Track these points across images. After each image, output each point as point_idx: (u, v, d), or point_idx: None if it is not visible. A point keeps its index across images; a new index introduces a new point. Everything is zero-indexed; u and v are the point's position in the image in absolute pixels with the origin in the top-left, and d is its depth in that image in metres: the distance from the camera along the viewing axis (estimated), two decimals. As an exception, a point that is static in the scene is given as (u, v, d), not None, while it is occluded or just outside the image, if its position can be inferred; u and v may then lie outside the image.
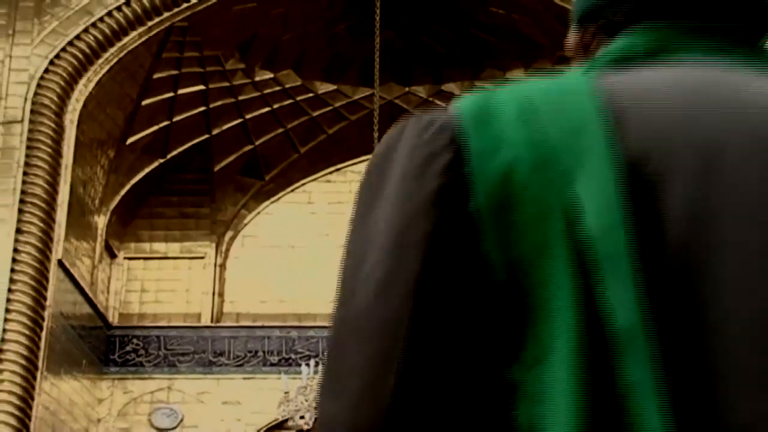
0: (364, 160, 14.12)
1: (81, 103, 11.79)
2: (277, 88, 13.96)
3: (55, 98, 11.50)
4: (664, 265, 0.93)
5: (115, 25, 11.80)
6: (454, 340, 0.92)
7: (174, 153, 13.83)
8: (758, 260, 0.93)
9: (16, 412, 10.44)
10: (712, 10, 1.11)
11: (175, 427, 13.07)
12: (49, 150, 11.35)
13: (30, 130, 11.30)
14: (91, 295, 12.61)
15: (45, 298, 11.06)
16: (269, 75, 13.82)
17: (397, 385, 0.90)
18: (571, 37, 1.20)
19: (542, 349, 0.91)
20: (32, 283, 10.87)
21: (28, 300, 10.78)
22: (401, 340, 0.91)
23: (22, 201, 11.05)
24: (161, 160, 13.76)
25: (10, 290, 10.68)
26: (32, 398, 10.71)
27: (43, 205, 11.18)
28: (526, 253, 0.96)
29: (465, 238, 0.96)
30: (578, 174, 0.98)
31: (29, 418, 10.65)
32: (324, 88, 14.20)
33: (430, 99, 14.33)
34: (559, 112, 1.02)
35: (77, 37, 11.64)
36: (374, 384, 0.91)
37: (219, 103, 13.72)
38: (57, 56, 11.55)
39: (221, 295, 14.06)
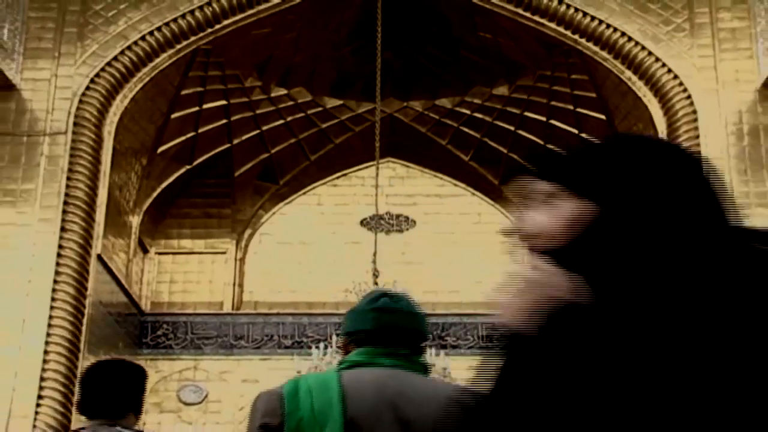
0: (367, 167, 14.15)
1: (117, 117, 11.77)
2: (290, 103, 13.94)
3: (95, 112, 11.51)
4: None
5: (147, 48, 11.81)
6: None
7: (199, 160, 13.82)
8: None
9: (62, 389, 10.49)
10: (393, 343, 2.22)
11: (200, 402, 13.09)
12: (89, 158, 11.37)
13: (73, 141, 11.29)
14: (126, 285, 12.63)
15: (86, 289, 11.07)
16: (283, 91, 13.82)
17: None
18: (340, 342, 2.38)
19: None
20: (74, 275, 10.91)
21: (71, 290, 10.83)
22: None
23: (65, 203, 11.07)
24: (188, 167, 13.76)
25: (55, 281, 10.72)
26: (75, 376, 10.64)
27: (84, 206, 11.20)
28: None
29: None
30: (326, 425, 2.05)
31: (73, 394, 10.63)
32: (331, 102, 14.18)
33: (425, 112, 14.32)
34: (322, 392, 2.11)
35: (114, 58, 11.64)
36: None
37: (239, 116, 13.71)
38: (97, 75, 11.56)
39: (241, 285, 14.05)
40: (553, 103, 13.30)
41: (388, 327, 2.22)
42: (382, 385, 2.13)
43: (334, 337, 10.53)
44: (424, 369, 2.26)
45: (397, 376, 2.16)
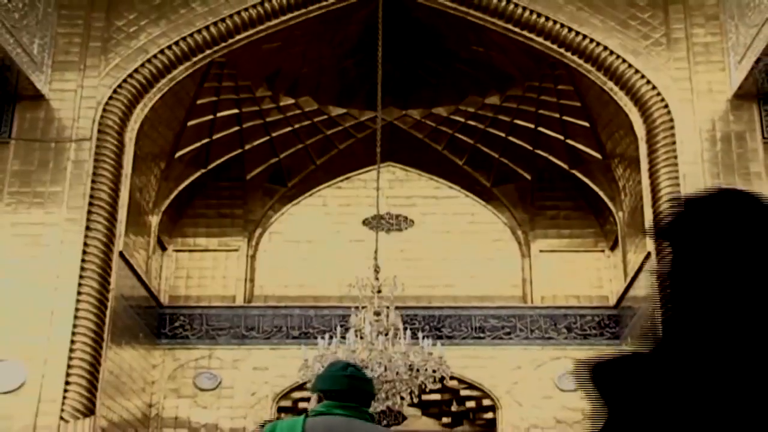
0: (369, 170, 14.21)
1: (138, 124, 11.84)
2: (298, 112, 13.99)
3: (118, 120, 11.57)
4: None
5: (166, 61, 11.88)
6: None
7: (213, 164, 13.88)
8: None
9: (87, 375, 10.60)
10: (348, 399, 2.88)
11: (215, 388, 13.15)
12: (112, 162, 11.44)
13: (97, 146, 11.36)
14: (146, 280, 12.69)
15: (109, 283, 11.14)
16: (291, 101, 13.88)
17: None
18: (312, 395, 3.02)
19: None
20: (98, 270, 10.99)
21: (95, 285, 10.90)
22: None
23: (90, 204, 11.14)
24: (203, 170, 13.82)
25: (81, 276, 10.81)
26: (99, 364, 10.82)
27: (107, 207, 11.27)
28: None
29: None
30: None
31: (97, 380, 10.78)
32: (336, 111, 14.23)
33: (423, 120, 14.37)
34: None
35: (135, 70, 11.72)
36: None
37: (250, 123, 13.77)
38: (119, 86, 11.63)
39: (252, 280, 14.09)
40: (540, 111, 13.38)
41: (355, 388, 2.92)
42: (334, 428, 2.78)
43: (339, 328, 10.59)
44: (371, 417, 2.92)
45: (345, 422, 2.80)
